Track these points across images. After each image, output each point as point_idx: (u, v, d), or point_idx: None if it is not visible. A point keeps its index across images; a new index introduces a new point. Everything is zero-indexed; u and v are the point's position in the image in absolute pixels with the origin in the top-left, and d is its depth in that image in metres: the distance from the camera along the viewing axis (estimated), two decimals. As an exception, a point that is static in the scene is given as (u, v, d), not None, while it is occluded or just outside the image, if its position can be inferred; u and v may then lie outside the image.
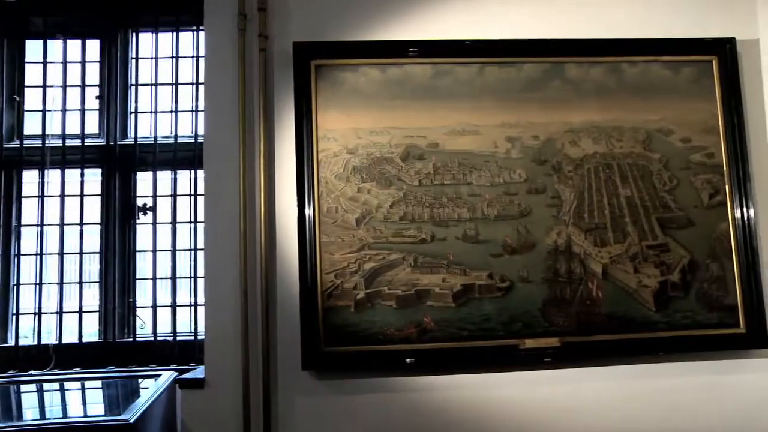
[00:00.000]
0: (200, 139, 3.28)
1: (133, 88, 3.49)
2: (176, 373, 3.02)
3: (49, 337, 3.29)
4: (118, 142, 3.41)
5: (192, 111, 3.45)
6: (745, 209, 2.96)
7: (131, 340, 3.31)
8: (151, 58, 3.49)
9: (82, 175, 3.38)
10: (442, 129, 2.93)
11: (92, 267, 3.38)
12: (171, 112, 3.45)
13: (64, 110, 3.43)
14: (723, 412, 2.91)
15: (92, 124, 3.47)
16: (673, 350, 2.89)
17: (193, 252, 3.37)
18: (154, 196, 3.39)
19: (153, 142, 3.41)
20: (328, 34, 2.98)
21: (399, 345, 2.79)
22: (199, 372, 2.91)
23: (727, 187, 2.99)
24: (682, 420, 2.89)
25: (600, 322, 2.86)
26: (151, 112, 3.45)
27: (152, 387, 2.80)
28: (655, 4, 3.14)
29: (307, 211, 2.82)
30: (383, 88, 2.93)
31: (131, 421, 2.31)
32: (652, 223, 2.95)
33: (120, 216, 3.38)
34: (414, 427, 2.81)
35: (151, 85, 3.46)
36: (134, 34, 3.52)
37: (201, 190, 3.28)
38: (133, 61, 3.50)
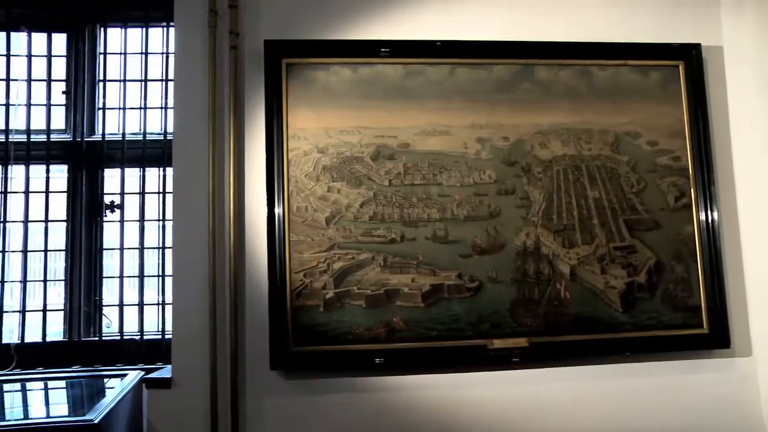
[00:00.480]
0: (169, 137, 3.25)
1: (101, 83, 3.43)
2: (143, 373, 2.98)
3: (11, 337, 3.23)
4: (85, 139, 3.36)
5: (161, 108, 3.41)
6: (709, 212, 3.01)
7: (97, 339, 3.26)
8: (120, 53, 3.44)
9: (48, 171, 3.32)
10: (412, 129, 2.93)
11: (57, 265, 3.32)
12: (140, 108, 3.40)
13: (28, 105, 3.37)
14: (686, 411, 2.95)
15: (58, 120, 3.41)
16: (639, 350, 2.93)
17: (161, 250, 3.33)
18: (122, 194, 3.35)
19: (121, 138, 3.36)
20: (300, 32, 2.97)
21: (368, 345, 2.78)
22: (166, 371, 2.88)
23: (692, 190, 3.04)
24: (647, 419, 2.93)
25: (567, 323, 2.89)
26: (119, 109, 3.40)
27: (118, 387, 2.77)
28: (624, 9, 3.18)
29: (277, 210, 2.81)
30: (354, 87, 2.93)
31: (96, 422, 2.28)
32: (620, 225, 2.99)
33: (86, 213, 3.33)
34: (383, 426, 2.81)
35: (120, 81, 3.41)
36: (102, 28, 3.46)
37: (170, 187, 3.24)
38: (101, 56, 3.45)
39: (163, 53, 3.44)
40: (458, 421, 2.84)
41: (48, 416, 2.59)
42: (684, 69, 3.09)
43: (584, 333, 2.89)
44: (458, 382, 2.85)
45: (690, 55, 3.10)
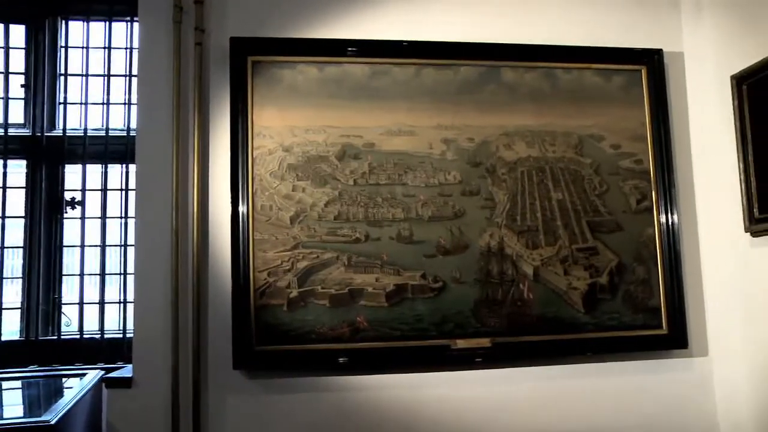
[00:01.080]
0: (133, 133, 3.21)
1: (62, 77, 3.37)
2: (103, 372, 2.94)
3: (-33, 335, 3.16)
4: (45, 134, 3.30)
5: (125, 104, 3.37)
6: (669, 215, 3.06)
7: (56, 338, 3.20)
8: (82, 47, 3.38)
9: (5, 166, 3.25)
10: (378, 129, 2.93)
11: (15, 262, 3.26)
12: (102, 104, 3.36)
13: (-14, 98, 3.30)
14: (646, 411, 3.00)
15: (17, 114, 3.34)
16: (600, 351, 2.97)
17: (123, 248, 3.29)
18: (83, 190, 3.29)
19: (83, 134, 3.31)
20: (266, 30, 2.95)
21: (332, 344, 2.78)
22: (127, 371, 2.84)
23: (653, 193, 3.09)
24: (608, 418, 2.97)
25: (530, 323, 2.92)
26: (81, 104, 3.35)
27: (77, 386, 2.72)
28: (588, 13, 3.21)
29: (241, 209, 2.79)
30: (320, 86, 2.92)
31: (52, 423, 2.23)
32: (583, 227, 3.02)
33: (46, 209, 3.27)
34: (346, 426, 2.81)
35: (82, 75, 3.36)
36: (64, 21, 3.40)
37: (132, 185, 3.20)
38: (63, 49, 3.39)
39: (126, 48, 3.39)
40: (421, 421, 2.85)
41: (2, 417, 2.53)
42: (646, 73, 3.14)
43: (547, 333, 2.92)
44: (421, 382, 2.86)
45: (652, 60, 3.14)
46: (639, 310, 3.01)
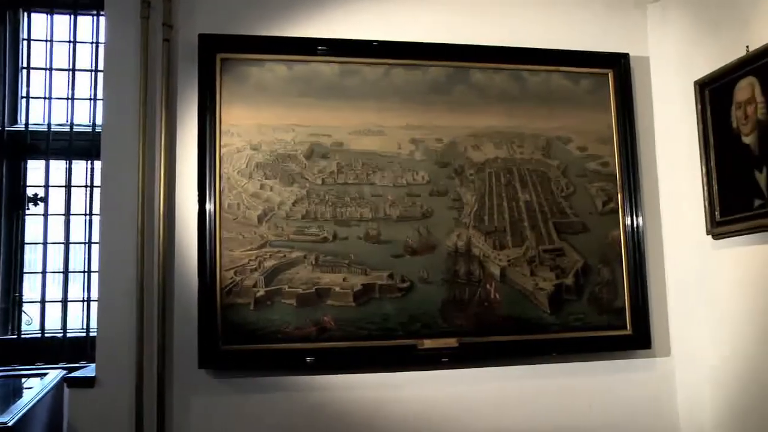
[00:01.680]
0: (98, 129, 3.16)
1: (24, 71, 3.31)
2: (65, 372, 2.89)
3: (-76, 334, 3.09)
4: (7, 128, 3.23)
5: (90, 99, 3.32)
6: (634, 217, 3.10)
7: (16, 337, 3.14)
8: (46, 40, 3.32)
9: (-34, 161, 3.19)
10: (346, 128, 2.92)
11: (-25, 259, 3.20)
12: (67, 99, 3.30)
13: (-55, 91, 3.23)
14: (610, 410, 3.04)
15: (-22, 108, 3.28)
16: (565, 351, 3.00)
17: (87, 245, 3.24)
18: (47, 186, 3.24)
19: (46, 129, 3.25)
20: (236, 27, 2.93)
21: (298, 344, 2.76)
22: (89, 370, 2.80)
23: (619, 195, 3.13)
24: (573, 418, 3.00)
25: (497, 323, 2.93)
26: (44, 98, 3.29)
27: (37, 387, 2.67)
28: (557, 17, 3.24)
29: (208, 207, 2.76)
30: (290, 85, 2.90)
31: (9, 424, 2.18)
32: (549, 228, 3.05)
33: (7, 206, 3.21)
34: (312, 426, 2.79)
35: (46, 69, 3.30)
36: (26, 13, 3.34)
37: (98, 181, 3.15)
38: (25, 42, 3.33)
39: (92, 43, 3.34)
40: (388, 421, 2.85)
41: (-42, 418, 2.48)
42: (613, 77, 3.18)
43: (513, 334, 2.94)
44: (388, 382, 2.86)
45: (619, 64, 3.19)
46: (604, 310, 3.04)
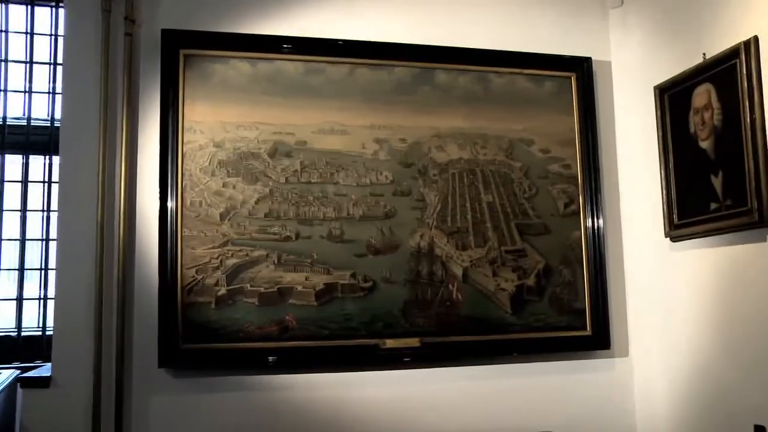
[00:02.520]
0: (57, 124, 3.10)
1: (-21, 62, 3.24)
2: (18, 372, 2.83)
3: None
4: (-40, 121, 3.16)
5: (48, 93, 3.25)
6: (595, 219, 3.15)
7: (-31, 335, 3.08)
8: (1, 31, 3.25)
9: None
10: (310, 127, 2.91)
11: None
12: (24, 92, 3.23)
13: None
14: (570, 410, 3.07)
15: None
16: (526, 351, 3.03)
17: (44, 242, 3.18)
18: (2, 182, 3.17)
19: (1, 122, 3.18)
20: (199, 23, 2.89)
21: (260, 343, 2.75)
22: (45, 370, 2.74)
23: (580, 197, 3.17)
24: (533, 418, 3.02)
25: (459, 324, 2.95)
26: (0, 91, 3.22)
27: (-11, 386, 2.62)
28: (522, 19, 3.28)
29: (170, 204, 2.73)
30: (253, 82, 2.88)
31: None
32: (512, 229, 3.08)
33: (-39, 201, 3.14)
34: (274, 425, 2.78)
35: (1, 61, 3.23)
36: (-19, 4, 3.27)
37: (56, 177, 3.09)
38: (-22, 33, 3.26)
39: (51, 35, 3.28)
40: (349, 421, 2.84)
41: None
42: (575, 80, 3.22)
43: (475, 334, 2.96)
44: (350, 381, 2.86)
45: (581, 68, 3.23)
46: (564, 311, 3.08)
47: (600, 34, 3.37)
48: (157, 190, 2.74)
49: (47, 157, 3.18)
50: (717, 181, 2.70)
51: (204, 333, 2.71)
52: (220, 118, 2.83)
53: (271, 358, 2.75)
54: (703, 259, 2.81)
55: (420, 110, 3.04)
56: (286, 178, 2.86)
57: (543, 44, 3.24)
